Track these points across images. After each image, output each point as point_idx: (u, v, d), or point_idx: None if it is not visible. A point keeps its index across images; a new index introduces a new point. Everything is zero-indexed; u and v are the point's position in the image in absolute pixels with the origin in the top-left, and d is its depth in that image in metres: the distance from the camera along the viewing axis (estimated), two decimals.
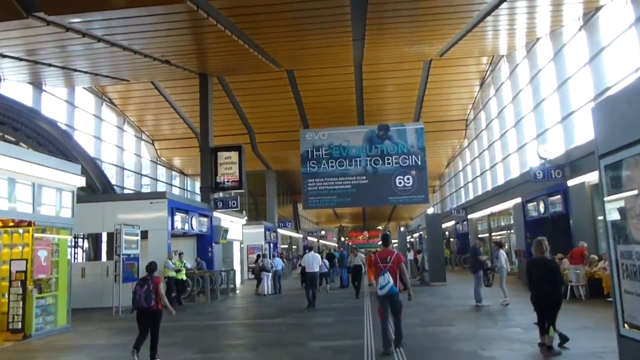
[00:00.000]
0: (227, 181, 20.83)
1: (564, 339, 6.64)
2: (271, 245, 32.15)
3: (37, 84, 19.70)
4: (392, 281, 7.04)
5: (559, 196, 16.11)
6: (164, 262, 14.64)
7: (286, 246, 41.62)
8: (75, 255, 21.42)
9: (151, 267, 7.36)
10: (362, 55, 19.02)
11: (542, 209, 17.63)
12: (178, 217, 16.55)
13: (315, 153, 22.42)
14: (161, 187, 30.40)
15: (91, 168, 22.10)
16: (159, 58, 16.85)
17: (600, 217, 14.11)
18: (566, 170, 15.44)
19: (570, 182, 15.22)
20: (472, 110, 28.41)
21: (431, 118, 26.52)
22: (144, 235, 15.19)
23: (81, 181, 10.73)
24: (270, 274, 18.66)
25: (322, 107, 26.31)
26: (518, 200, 20.24)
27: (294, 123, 27.06)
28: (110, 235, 15.81)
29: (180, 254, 15.70)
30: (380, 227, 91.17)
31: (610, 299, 11.27)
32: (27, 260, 9.13)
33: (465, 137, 30.51)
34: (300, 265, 17.10)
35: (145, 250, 15.23)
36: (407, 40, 17.82)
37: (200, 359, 7.28)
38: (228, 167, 20.84)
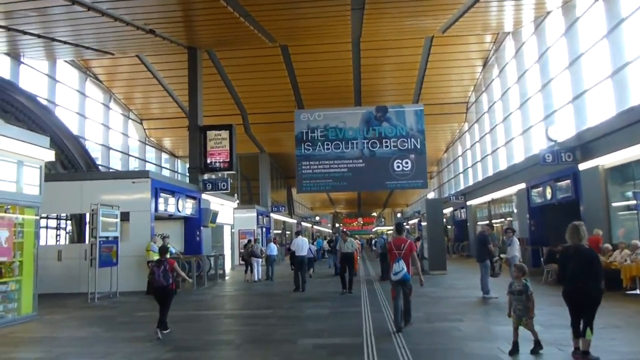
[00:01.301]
0: (217, 162, 19.73)
1: (537, 344, 5.83)
2: (264, 230, 31.21)
3: (14, 56, 18.46)
4: (405, 268, 7.67)
5: (568, 181, 15.16)
6: (147, 245, 13.63)
7: (280, 231, 40.69)
8: (58, 237, 20.39)
9: (164, 249, 8.36)
10: (361, 29, 17.87)
11: (548, 195, 16.70)
12: (163, 198, 15.49)
13: (310, 135, 21.56)
14: (150, 169, 29.28)
15: (74, 146, 20.96)
16: (142, 27, 15.57)
17: (616, 204, 13.21)
18: (577, 153, 14.48)
19: (582, 166, 14.26)
20: (474, 93, 27.36)
21: (431, 100, 25.44)
22: (126, 217, 14.16)
23: (49, 155, 9.64)
24: (261, 260, 17.99)
25: (318, 86, 25.19)
26: (522, 185, 19.33)
27: (289, 103, 25.94)
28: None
29: (165, 238, 14.66)
30: (375, 214, 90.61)
31: (630, 292, 10.54)
32: None
33: (465, 120, 29.47)
34: (290, 249, 17.01)
35: (126, 233, 14.23)
36: (409, 13, 16.68)
37: (173, 359, 6.29)
38: (218, 147, 19.74)
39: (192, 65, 19.61)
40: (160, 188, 15.19)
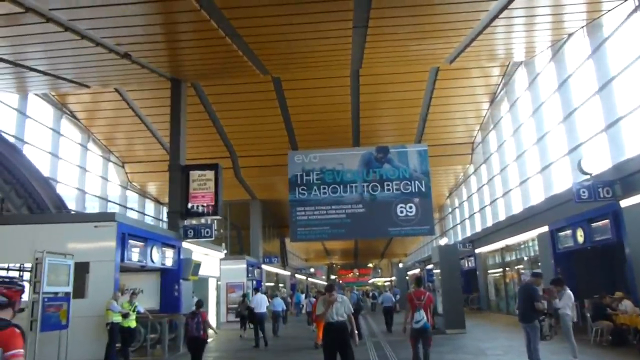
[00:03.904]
0: (201, 206, 17.50)
1: None
2: (254, 283, 28.61)
3: None
4: (425, 317, 8.33)
5: (606, 221, 13.00)
6: (106, 304, 11.17)
7: (272, 284, 37.92)
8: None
9: (199, 303, 9.69)
10: (362, 55, 16.09)
11: (580, 238, 14.50)
12: (132, 246, 13.14)
13: (305, 178, 19.91)
14: (132, 216, 26.93)
15: (44, 189, 18.72)
16: (115, 49, 13.68)
17: None
18: (617, 188, 12.41)
19: (624, 202, 12.16)
20: (480, 132, 25.63)
21: (434, 141, 23.63)
22: (84, 268, 11.75)
23: None
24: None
25: (313, 125, 23.37)
26: (544, 229, 17.19)
27: (282, 145, 24.07)
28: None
29: (134, 294, 12.22)
30: (371, 265, 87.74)
31: None
32: None
33: (471, 162, 27.61)
34: (249, 307, 16.78)
35: (84, 287, 11.77)
36: (415, 35, 14.95)
37: None
38: (202, 190, 17.56)
39: (175, 98, 17.72)
40: (129, 234, 12.86)
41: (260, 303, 15.35)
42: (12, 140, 17.93)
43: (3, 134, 17.26)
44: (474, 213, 29.16)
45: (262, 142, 24.70)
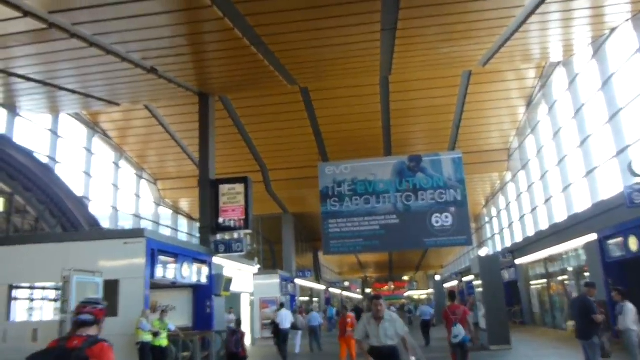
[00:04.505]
0: (231, 220, 17.23)
1: None
2: (288, 297, 28.16)
3: (9, 107, 16.77)
4: (463, 331, 8.60)
5: None
6: (136, 322, 10.90)
7: (307, 299, 37.37)
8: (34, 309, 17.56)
9: (239, 322, 10.88)
10: (392, 61, 15.59)
11: (633, 247, 13.48)
12: (162, 262, 12.89)
13: (336, 189, 19.60)
14: (165, 233, 26.96)
15: (77, 208, 18.87)
16: (141, 64, 13.60)
17: None
18: None
19: None
20: (517, 137, 24.68)
21: (468, 149, 22.87)
22: (114, 286, 11.54)
23: None
24: (301, 332, 17.76)
25: (343, 135, 22.92)
26: (591, 237, 16.15)
27: (312, 157, 23.74)
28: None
29: (164, 311, 11.95)
30: (406, 278, 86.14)
31: None
32: None
33: (508, 169, 26.60)
34: (273, 322, 16.96)
35: (114, 305, 11.56)
36: (446, 37, 14.35)
37: None
38: (232, 203, 17.31)
39: (203, 112, 17.60)
40: (159, 250, 12.62)
41: (285, 319, 15.33)
42: (45, 160, 18.16)
43: (36, 155, 17.50)
44: (513, 222, 28.04)
45: (292, 155, 24.45)
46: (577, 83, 17.40)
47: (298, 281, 32.60)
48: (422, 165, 19.45)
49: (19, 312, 13.76)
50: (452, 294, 10.20)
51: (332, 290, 47.63)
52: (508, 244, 29.17)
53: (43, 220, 17.56)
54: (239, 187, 17.26)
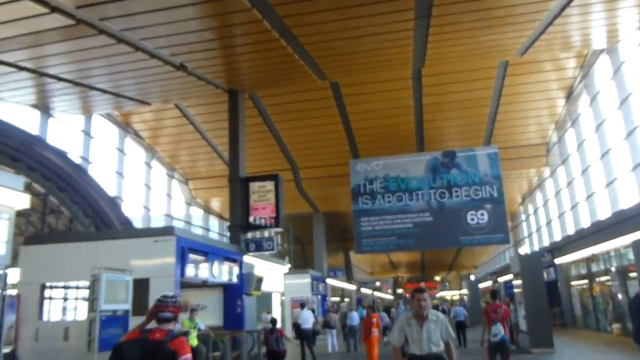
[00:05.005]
0: (262, 218, 16.99)
1: None
2: (319, 297, 27.87)
3: (43, 109, 16.96)
4: (503, 330, 8.54)
5: None
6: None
7: (337, 299, 36.96)
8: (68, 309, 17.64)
9: (274, 321, 11.20)
10: (425, 51, 15.04)
11: None
12: (193, 261, 12.72)
13: (368, 187, 19.36)
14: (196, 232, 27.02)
15: (110, 208, 19.05)
16: (170, 60, 13.46)
17: None
18: None
19: None
20: (556, 131, 23.70)
21: (504, 143, 22.04)
22: (144, 285, 11.40)
23: (22, 201, 7.14)
24: (335, 331, 17.45)
25: (375, 132, 22.47)
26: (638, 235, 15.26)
27: (343, 154, 23.34)
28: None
29: (194, 310, 11.76)
30: (438, 278, 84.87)
31: None
32: None
33: (546, 164, 25.60)
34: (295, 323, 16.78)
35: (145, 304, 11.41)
36: (483, 25, 13.74)
37: None
38: (263, 201, 17.07)
39: (232, 110, 17.42)
40: (189, 248, 12.46)
41: (307, 319, 15.09)
42: (78, 161, 18.34)
43: (69, 155, 17.66)
44: (551, 220, 26.99)
45: (322, 152, 24.13)
46: (622, 71, 16.48)
47: (329, 281, 32.24)
48: (457, 161, 19.02)
49: (54, 312, 13.82)
50: (494, 293, 10.19)
51: (363, 290, 47.07)
52: (546, 242, 28.11)
53: (77, 220, 17.73)
54: (269, 185, 17.01)
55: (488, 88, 19.32)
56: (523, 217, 34.31)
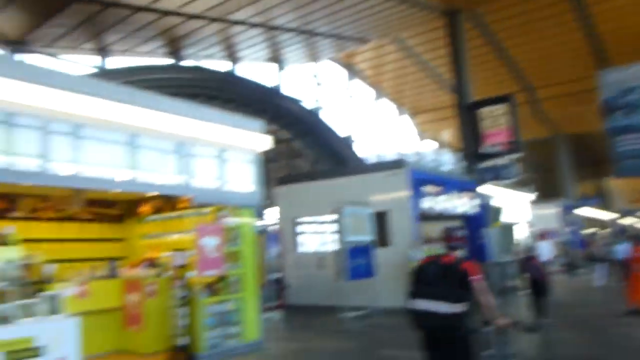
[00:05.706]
0: (496, 144, 15.80)
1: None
2: (570, 229, 25.11)
3: (277, 62, 18.54)
4: None
5: None
6: (408, 253, 10.84)
7: (592, 230, 32.94)
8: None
9: (528, 248, 10.59)
10: None
11: None
12: (429, 193, 12.52)
13: (624, 99, 16.15)
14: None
15: (343, 148, 20.25)
16: None
17: None
18: None
19: None
20: None
21: None
22: (383, 218, 11.69)
23: (265, 142, 7.75)
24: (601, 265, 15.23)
25: (628, 32, 18.52)
26: None
27: (584, 67, 20.00)
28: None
29: (432, 242, 11.64)
30: None
31: None
32: (188, 251, 6.65)
33: None
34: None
35: (386, 236, 11.76)
36: None
37: None
38: (495, 127, 15.84)
39: (452, 33, 16.30)
40: (422, 179, 12.27)
41: (546, 251, 13.01)
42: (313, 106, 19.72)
43: (303, 103, 19.08)
44: None
45: (559, 68, 21.19)
46: None
47: (580, 211, 28.76)
48: None
49: (309, 243, 15.20)
50: None
51: (622, 221, 40.83)
52: None
53: (319, 161, 19.36)
54: (501, 108, 15.65)
55: None
56: None
